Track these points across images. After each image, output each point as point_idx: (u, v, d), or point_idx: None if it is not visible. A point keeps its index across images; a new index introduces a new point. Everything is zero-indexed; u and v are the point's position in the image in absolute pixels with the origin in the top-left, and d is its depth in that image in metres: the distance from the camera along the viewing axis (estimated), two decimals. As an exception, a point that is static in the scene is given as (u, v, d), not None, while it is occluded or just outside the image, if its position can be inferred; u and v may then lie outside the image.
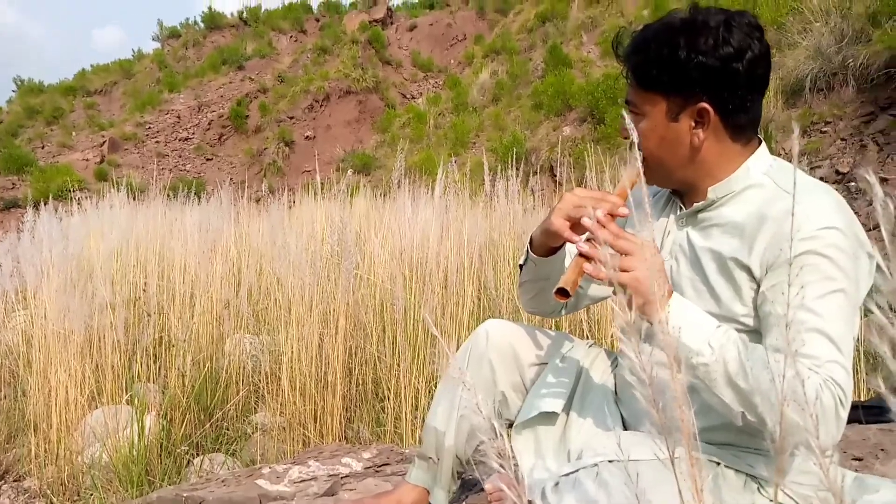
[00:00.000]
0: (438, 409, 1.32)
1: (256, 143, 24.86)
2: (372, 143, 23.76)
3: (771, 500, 1.00)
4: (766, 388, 0.89)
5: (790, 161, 1.10)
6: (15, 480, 2.76)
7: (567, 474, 0.99)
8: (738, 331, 1.02)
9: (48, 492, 2.54)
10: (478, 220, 3.74)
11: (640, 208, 1.26)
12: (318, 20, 33.21)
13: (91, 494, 2.31)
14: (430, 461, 1.30)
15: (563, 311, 1.38)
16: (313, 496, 1.47)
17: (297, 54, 29.57)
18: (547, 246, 1.18)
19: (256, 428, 2.70)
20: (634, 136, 0.90)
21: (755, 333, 1.03)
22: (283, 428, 2.56)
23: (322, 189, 4.90)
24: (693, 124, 1.08)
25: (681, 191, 1.17)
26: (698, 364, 0.94)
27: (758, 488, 1.03)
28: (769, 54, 1.08)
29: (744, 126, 1.08)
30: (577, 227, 1.07)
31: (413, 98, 27.81)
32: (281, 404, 2.60)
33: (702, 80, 1.04)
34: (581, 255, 0.99)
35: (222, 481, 1.62)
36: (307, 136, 24.83)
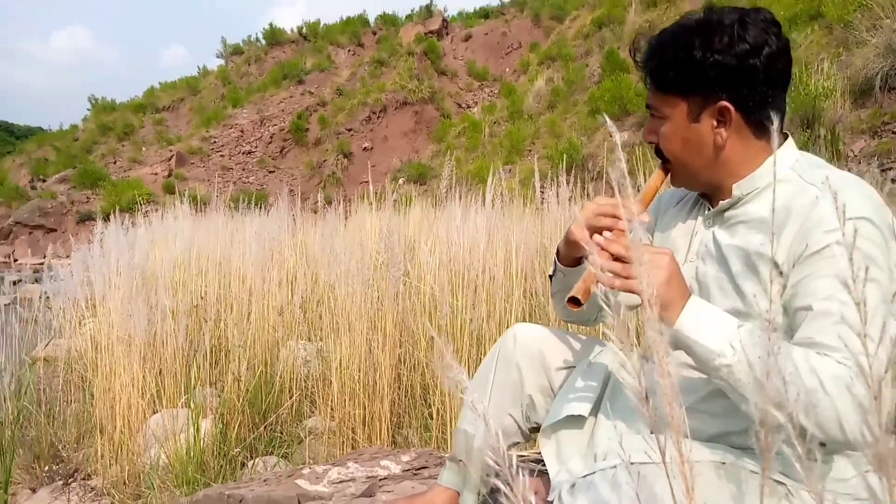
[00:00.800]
0: (468, 412, 1.33)
1: (316, 155, 25.43)
2: (428, 153, 23.98)
3: None
4: (794, 384, 0.87)
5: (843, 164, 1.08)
6: (83, 479, 2.90)
7: (584, 476, 0.98)
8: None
9: (112, 490, 2.66)
10: (530, 227, 3.73)
11: (665, 213, 1.25)
12: (374, 33, 33.78)
13: (149, 494, 2.41)
14: (461, 464, 1.31)
15: (599, 320, 1.37)
16: (350, 497, 1.50)
17: (355, 67, 30.14)
18: (571, 256, 1.19)
19: (308, 432, 2.75)
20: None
21: (782, 330, 1.00)
22: (334, 432, 2.61)
23: (377, 199, 4.98)
24: (715, 124, 1.06)
25: (708, 193, 1.15)
26: (721, 365, 0.92)
27: (786, 493, 1.00)
28: (788, 49, 1.06)
29: (766, 123, 1.06)
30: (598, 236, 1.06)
31: (468, 107, 27.95)
32: (331, 409, 2.66)
33: (719, 79, 1.03)
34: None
35: (264, 481, 1.66)
36: (365, 148, 25.24)
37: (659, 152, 1.14)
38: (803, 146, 8.23)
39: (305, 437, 2.70)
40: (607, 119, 0.93)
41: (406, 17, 35.16)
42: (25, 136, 49.96)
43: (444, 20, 33.89)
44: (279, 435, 2.81)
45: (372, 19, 35.14)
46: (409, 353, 2.82)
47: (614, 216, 1.03)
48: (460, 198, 4.18)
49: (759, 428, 0.56)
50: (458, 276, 3.04)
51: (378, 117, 26.05)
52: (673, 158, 1.11)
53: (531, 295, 3.19)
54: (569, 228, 1.12)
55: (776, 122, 0.71)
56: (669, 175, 1.16)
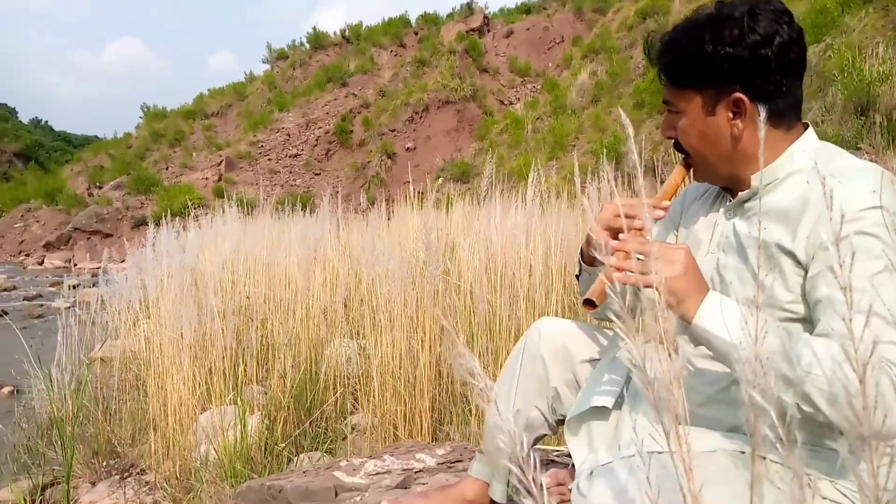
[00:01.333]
0: (497, 406, 1.35)
1: (360, 156, 25.72)
2: (470, 151, 24.00)
3: (824, 498, 0.96)
4: (818, 377, 0.86)
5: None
6: (138, 474, 3.02)
7: (605, 464, 0.99)
8: (787, 320, 1.00)
9: (165, 485, 2.76)
10: (570, 223, 3.72)
11: (690, 207, 1.25)
12: (416, 33, 33.94)
13: (199, 488, 2.50)
14: (490, 455, 1.34)
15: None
16: (385, 488, 1.54)
17: (397, 68, 30.36)
18: (593, 256, 1.20)
19: (352, 428, 2.81)
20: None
21: (803, 322, 1.00)
22: (376, 428, 2.66)
23: (420, 198, 5.02)
24: (731, 115, 1.06)
25: (730, 185, 1.15)
26: (740, 358, 0.92)
27: (808, 485, 0.99)
28: (802, 38, 1.05)
29: (783, 111, 1.06)
30: (617, 235, 1.07)
31: (511, 104, 27.85)
32: (373, 405, 2.71)
33: (732, 71, 1.03)
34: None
35: (303, 472, 1.72)
36: (408, 148, 25.40)
37: (679, 147, 1.15)
38: (857, 134, 7.94)
39: (349, 433, 2.76)
40: (621, 112, 0.94)
41: (447, 15, 35.23)
42: (82, 144, 51.87)
43: (486, 17, 33.84)
44: (324, 431, 2.88)
45: (413, 19, 35.33)
46: (450, 351, 2.85)
47: (631, 216, 1.04)
48: (499, 195, 4.19)
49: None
50: (496, 273, 3.06)
51: (420, 117, 26.18)
52: (692, 152, 1.12)
53: (573, 291, 3.18)
54: (588, 231, 1.14)
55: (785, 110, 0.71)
56: (692, 170, 1.16)
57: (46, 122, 62.91)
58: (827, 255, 0.95)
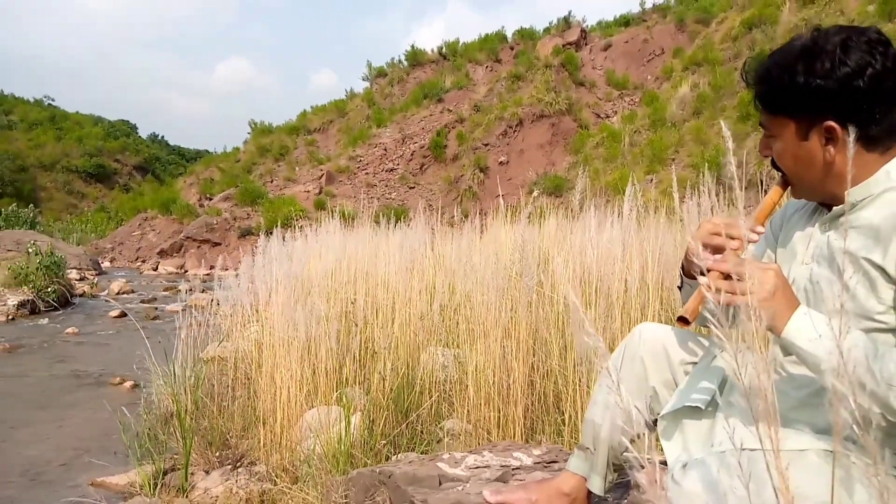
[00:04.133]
0: (596, 404, 1.43)
1: (454, 170, 26.05)
2: (564, 165, 23.84)
3: None
4: None
5: None
6: (249, 464, 3.25)
7: (698, 458, 1.05)
8: (876, 330, 1.03)
9: (273, 475, 2.96)
10: (671, 238, 3.69)
11: (789, 221, 1.28)
12: (512, 48, 34.09)
13: (306, 480, 2.67)
14: (588, 451, 1.41)
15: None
16: (485, 481, 1.63)
17: (492, 83, 30.59)
18: (692, 271, 1.25)
19: (446, 432, 2.92)
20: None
21: (895, 332, 1.02)
22: (469, 433, 2.76)
23: (510, 212, 5.10)
24: (824, 141, 1.10)
25: (826, 202, 1.19)
26: (826, 370, 0.96)
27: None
28: None
29: (878, 136, 1.08)
30: (714, 252, 1.12)
31: (607, 117, 27.47)
32: (468, 411, 2.81)
33: (823, 102, 1.07)
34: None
35: (409, 462, 1.83)
36: (501, 162, 25.52)
37: (776, 165, 1.19)
38: None
39: (444, 436, 2.86)
40: (723, 124, 1.00)
41: (544, 30, 35.19)
42: (194, 158, 55.06)
43: (583, 31, 33.58)
44: (419, 434, 3.00)
45: (510, 35, 35.50)
46: (542, 362, 2.91)
47: (728, 235, 1.09)
48: (594, 209, 4.21)
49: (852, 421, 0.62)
50: (591, 286, 3.09)
51: (514, 131, 26.26)
52: (788, 173, 1.17)
53: (670, 306, 3.17)
54: (688, 245, 1.19)
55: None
56: (789, 188, 1.20)
57: (163, 137, 67.22)
58: None
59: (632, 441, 1.42)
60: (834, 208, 1.15)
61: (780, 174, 1.20)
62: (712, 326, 0.76)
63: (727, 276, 1.03)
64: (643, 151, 19.68)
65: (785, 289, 1.04)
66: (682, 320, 1.09)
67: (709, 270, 1.05)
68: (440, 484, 1.64)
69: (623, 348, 1.43)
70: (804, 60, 1.09)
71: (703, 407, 1.23)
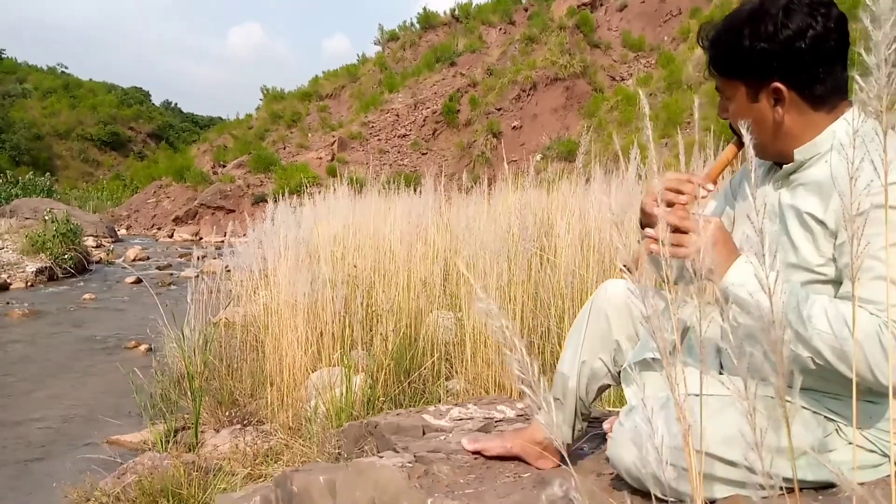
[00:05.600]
0: (565, 356, 1.49)
1: (466, 135, 25.92)
2: (578, 129, 23.63)
3: (849, 443, 1.04)
4: (825, 334, 0.96)
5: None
6: (256, 423, 3.35)
7: (642, 401, 1.10)
8: (817, 281, 1.09)
9: (279, 431, 3.07)
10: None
11: (741, 185, 1.32)
12: (526, 10, 33.53)
13: (310, 433, 2.77)
14: (558, 402, 1.47)
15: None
16: (468, 431, 1.70)
17: (506, 46, 30.20)
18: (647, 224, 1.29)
19: (447, 392, 2.99)
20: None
21: (833, 283, 1.08)
22: (468, 392, 2.83)
23: (519, 177, 5.10)
24: (772, 102, 1.14)
25: (779, 161, 1.23)
26: (760, 316, 1.00)
27: (836, 430, 1.07)
28: (841, 25, 1.10)
29: (823, 96, 1.12)
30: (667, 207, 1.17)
31: (622, 80, 27.10)
32: (465, 370, 2.87)
33: (769, 64, 1.11)
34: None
35: (396, 414, 1.91)
36: (514, 127, 25.34)
37: (732, 127, 1.22)
38: None
39: (444, 395, 2.94)
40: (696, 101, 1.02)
41: (558, -9, 34.55)
42: (208, 125, 55.07)
43: (598, -9, 32.94)
44: (421, 392, 3.08)
45: (524, -5, 34.88)
46: (541, 323, 2.96)
47: (678, 191, 1.13)
48: (605, 173, 4.21)
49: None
50: (591, 248, 3.12)
51: (528, 95, 26.00)
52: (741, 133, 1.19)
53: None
54: (642, 200, 1.23)
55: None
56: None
57: (176, 104, 67.20)
58: (851, 226, 1.01)
59: (598, 392, 1.49)
60: (784, 167, 1.20)
61: (734, 136, 1.24)
62: (668, 278, 0.79)
63: (675, 230, 1.08)
64: (658, 115, 19.45)
65: (725, 241, 1.09)
66: (626, 269, 1.14)
67: (654, 224, 1.11)
68: (424, 434, 1.71)
69: (590, 304, 1.48)
70: (750, 24, 1.13)
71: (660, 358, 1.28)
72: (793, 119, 1.14)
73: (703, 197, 1.18)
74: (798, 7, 1.09)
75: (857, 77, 0.65)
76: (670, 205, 1.14)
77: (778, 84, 1.12)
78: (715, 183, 1.21)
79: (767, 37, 1.10)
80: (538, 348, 2.89)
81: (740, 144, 1.24)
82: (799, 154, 1.15)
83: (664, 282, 0.95)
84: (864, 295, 0.98)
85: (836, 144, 1.10)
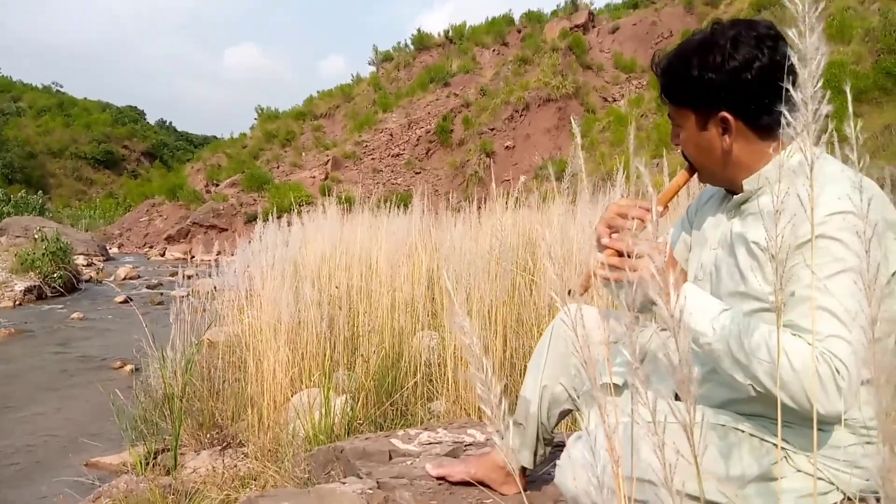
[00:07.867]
0: (527, 381, 1.48)
1: (460, 155, 26.03)
2: (571, 150, 23.75)
3: (798, 470, 1.04)
4: (765, 363, 0.97)
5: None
6: (237, 445, 3.31)
7: (590, 430, 1.10)
8: (765, 310, 1.09)
9: (258, 454, 3.03)
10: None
11: (702, 208, 1.32)
12: (519, 31, 33.86)
13: (286, 457, 2.74)
14: (520, 426, 1.45)
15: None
16: (435, 456, 1.68)
17: (499, 67, 30.44)
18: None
19: (430, 413, 2.96)
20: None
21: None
22: (451, 412, 2.80)
23: (504, 198, 5.10)
24: (721, 131, 1.16)
25: (729, 189, 1.24)
26: (703, 344, 1.04)
27: (785, 458, 1.06)
28: (785, 59, 1.10)
29: (771, 126, 1.13)
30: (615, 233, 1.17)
31: (614, 100, 27.32)
32: (447, 392, 2.85)
33: (716, 94, 1.13)
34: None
35: (365, 438, 1.89)
36: (507, 146, 25.47)
37: (684, 154, 1.23)
38: None
39: (426, 417, 2.91)
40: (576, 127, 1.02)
41: (551, 13, 34.93)
42: (202, 144, 55.19)
43: (591, 14, 33.31)
44: (405, 415, 3.05)
45: (517, 18, 35.26)
46: (522, 343, 2.95)
47: (628, 216, 1.13)
48: (592, 193, 4.21)
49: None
50: (574, 269, 3.12)
51: (521, 115, 26.17)
52: (693, 160, 1.23)
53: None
54: (595, 226, 1.24)
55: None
56: (697, 174, 1.24)
57: (170, 123, 67.41)
58: (795, 255, 1.04)
59: (560, 416, 1.48)
60: (734, 197, 1.21)
61: (687, 162, 1.25)
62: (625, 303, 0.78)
63: (622, 254, 1.07)
64: (650, 136, 19.58)
65: (671, 268, 1.09)
66: (570, 293, 1.14)
67: (602, 249, 1.11)
68: (391, 458, 1.69)
69: (551, 328, 1.48)
70: (699, 54, 1.14)
71: (619, 384, 1.27)
72: (741, 148, 1.15)
73: (652, 221, 1.18)
74: (746, 39, 1.11)
75: (786, 111, 0.66)
76: (620, 230, 1.14)
77: (725, 114, 1.13)
78: (665, 208, 1.21)
79: (715, 67, 1.12)
80: (519, 371, 2.88)
81: (692, 171, 1.25)
82: (747, 184, 1.17)
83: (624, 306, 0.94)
84: (804, 324, 0.99)
85: (786, 175, 1.11)
